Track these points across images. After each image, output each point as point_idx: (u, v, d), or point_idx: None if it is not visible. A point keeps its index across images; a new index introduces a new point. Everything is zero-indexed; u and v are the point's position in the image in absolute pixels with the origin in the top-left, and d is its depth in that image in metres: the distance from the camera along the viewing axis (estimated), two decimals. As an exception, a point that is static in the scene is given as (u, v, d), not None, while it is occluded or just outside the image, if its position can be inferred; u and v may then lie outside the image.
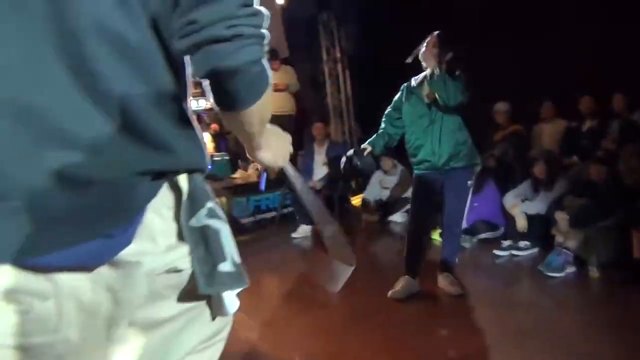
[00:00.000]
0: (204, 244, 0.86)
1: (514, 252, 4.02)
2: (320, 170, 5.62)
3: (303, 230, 5.42)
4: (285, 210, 6.02)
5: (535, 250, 4.00)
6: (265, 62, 0.84)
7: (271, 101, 0.94)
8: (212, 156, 7.14)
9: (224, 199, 5.69)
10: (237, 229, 5.64)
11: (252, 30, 0.81)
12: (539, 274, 3.55)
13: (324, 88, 7.51)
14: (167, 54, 0.81)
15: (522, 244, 4.02)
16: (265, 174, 1.43)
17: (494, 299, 3.29)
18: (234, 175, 6.78)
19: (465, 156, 3.18)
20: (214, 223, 0.88)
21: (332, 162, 5.58)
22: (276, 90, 6.46)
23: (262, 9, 0.86)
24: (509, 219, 4.19)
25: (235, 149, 6.99)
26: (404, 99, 3.30)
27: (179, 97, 0.86)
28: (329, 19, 7.27)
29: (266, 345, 2.87)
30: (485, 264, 4.03)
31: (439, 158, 3.14)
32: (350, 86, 7.41)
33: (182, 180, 0.86)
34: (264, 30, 0.83)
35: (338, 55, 7.36)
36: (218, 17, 0.77)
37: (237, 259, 0.91)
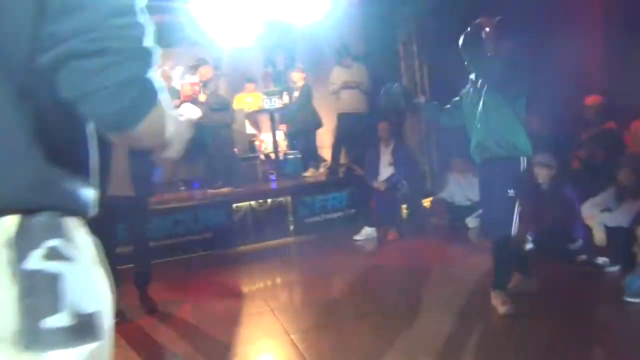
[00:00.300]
0: (37, 291, 0.72)
1: (590, 269, 3.53)
2: (385, 171, 5.40)
3: (366, 233, 5.27)
4: (351, 211, 5.89)
5: (616, 268, 3.47)
6: (149, 78, 0.75)
7: (164, 115, 0.82)
8: (285, 154, 7.23)
9: (289, 198, 5.70)
10: (302, 228, 5.63)
11: (124, 44, 0.72)
12: (617, 296, 3.07)
13: (401, 83, 7.21)
14: (15, 78, 0.73)
15: (600, 260, 3.52)
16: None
17: (559, 324, 2.87)
18: (305, 174, 6.79)
19: (492, 147, 2.92)
20: (51, 266, 0.74)
21: (398, 162, 5.35)
22: (348, 87, 6.34)
23: (145, 18, 0.75)
24: (588, 231, 3.69)
25: (306, 147, 6.99)
26: (465, 90, 3.22)
27: (29, 126, 0.74)
28: (407, 13, 6.96)
29: (311, 349, 2.81)
30: (556, 282, 3.58)
31: (473, 146, 3.04)
32: (427, 83, 7.04)
33: (10, 217, 0.75)
34: (145, 44, 0.73)
35: (415, 50, 7.03)
36: (79, 28, 0.69)
37: (87, 309, 0.76)
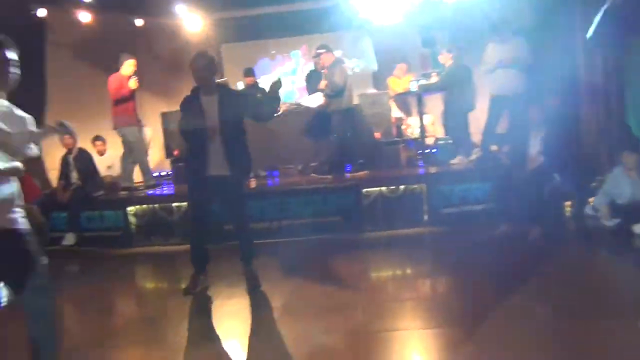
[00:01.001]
0: None
1: None
2: (532, 161, 4.69)
3: (504, 230, 4.66)
4: (493, 205, 5.28)
5: None
6: None
7: None
8: (437, 139, 6.86)
9: (423, 186, 5.38)
10: (437, 219, 5.27)
11: None
12: None
13: (574, 60, 6.14)
14: None
15: None
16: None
17: None
18: (453, 161, 6.34)
19: None
20: None
21: (549, 152, 4.60)
22: (503, 66, 5.66)
23: None
24: None
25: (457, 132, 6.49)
26: None
27: None
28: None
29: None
30: None
31: None
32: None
33: None
34: None
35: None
36: None
37: None
